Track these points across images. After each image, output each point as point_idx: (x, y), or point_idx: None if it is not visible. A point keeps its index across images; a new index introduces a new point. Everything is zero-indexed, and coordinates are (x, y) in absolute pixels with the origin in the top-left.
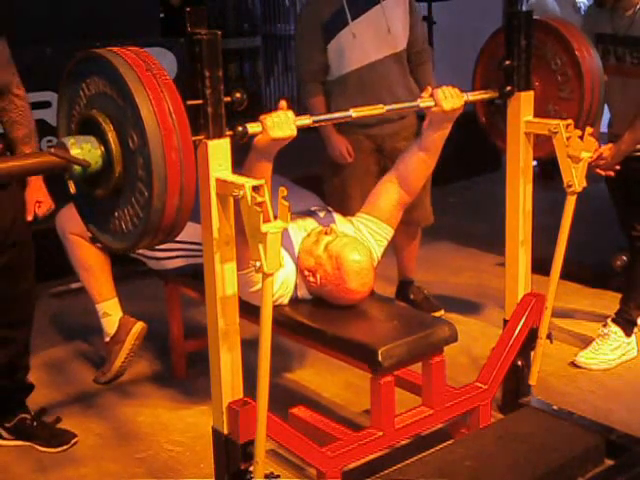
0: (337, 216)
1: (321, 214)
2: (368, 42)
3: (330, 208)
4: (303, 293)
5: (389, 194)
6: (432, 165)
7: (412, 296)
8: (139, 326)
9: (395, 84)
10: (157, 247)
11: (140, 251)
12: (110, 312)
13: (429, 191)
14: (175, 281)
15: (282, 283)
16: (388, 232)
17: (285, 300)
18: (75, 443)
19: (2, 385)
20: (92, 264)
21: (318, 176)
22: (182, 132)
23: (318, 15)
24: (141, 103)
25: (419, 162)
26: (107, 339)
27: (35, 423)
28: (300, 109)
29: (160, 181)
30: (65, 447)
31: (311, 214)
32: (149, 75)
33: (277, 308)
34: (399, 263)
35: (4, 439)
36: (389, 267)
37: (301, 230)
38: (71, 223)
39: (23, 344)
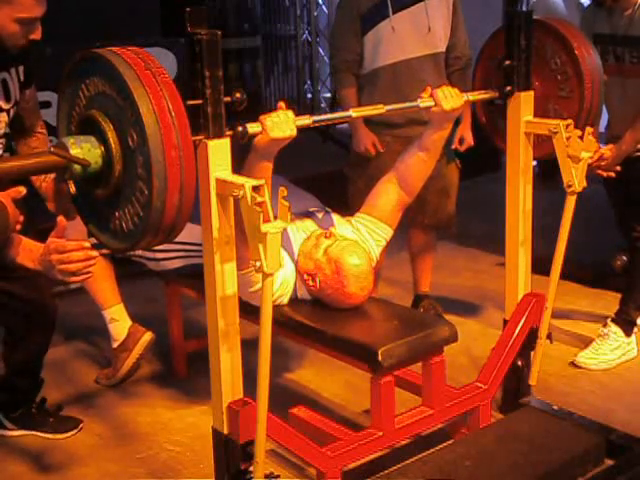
0: (335, 217)
1: (319, 215)
2: (407, 38)
3: (328, 209)
4: (303, 293)
5: (388, 194)
6: (432, 165)
7: (422, 310)
8: (148, 336)
9: (430, 85)
10: (156, 248)
11: (139, 253)
12: (118, 318)
13: (453, 197)
14: (175, 281)
15: (282, 283)
16: (387, 232)
17: (285, 300)
18: (81, 429)
19: (23, 385)
20: (96, 272)
21: (318, 176)
22: (181, 130)
23: (357, 4)
24: (140, 101)
25: (419, 162)
26: (115, 345)
27: (39, 412)
28: (300, 109)
29: (160, 179)
30: (74, 432)
31: (310, 215)
32: (148, 73)
33: (277, 308)
34: (414, 274)
35: (8, 429)
36: (389, 268)
37: (300, 231)
38: (72, 232)
39: (46, 345)
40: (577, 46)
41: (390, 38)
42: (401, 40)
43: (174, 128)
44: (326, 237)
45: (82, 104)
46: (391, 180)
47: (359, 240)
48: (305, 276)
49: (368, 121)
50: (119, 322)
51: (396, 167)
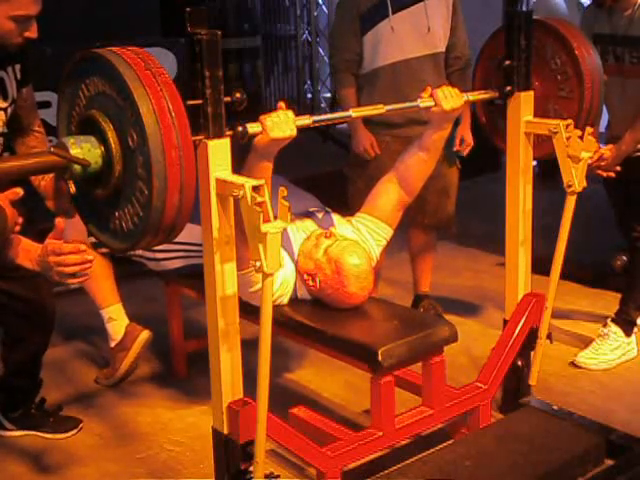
0: (336, 217)
1: (319, 215)
2: (406, 38)
3: (328, 209)
4: (303, 293)
5: (389, 194)
6: (432, 165)
7: (422, 310)
8: (145, 334)
9: (430, 85)
10: (156, 248)
11: (139, 252)
12: (115, 317)
13: (453, 197)
14: (175, 281)
15: (282, 283)
16: (387, 232)
17: (285, 300)
18: (81, 429)
19: (22, 385)
20: (95, 271)
21: (318, 176)
22: (181, 130)
23: (357, 4)
24: (140, 101)
25: (419, 162)
26: (112, 344)
27: (39, 412)
28: (300, 109)
29: (160, 179)
30: (73, 432)
31: (310, 215)
32: (148, 74)
33: (277, 308)
34: (414, 274)
35: (7, 430)
36: (389, 268)
37: (300, 231)
38: (71, 232)
39: (45, 345)
40: (577, 46)
41: (389, 38)
42: (400, 40)
43: (174, 128)
44: (326, 237)
45: (82, 104)
46: (391, 180)
47: (359, 240)
48: (305, 276)
49: (368, 121)
50: (117, 321)
51: (396, 167)
